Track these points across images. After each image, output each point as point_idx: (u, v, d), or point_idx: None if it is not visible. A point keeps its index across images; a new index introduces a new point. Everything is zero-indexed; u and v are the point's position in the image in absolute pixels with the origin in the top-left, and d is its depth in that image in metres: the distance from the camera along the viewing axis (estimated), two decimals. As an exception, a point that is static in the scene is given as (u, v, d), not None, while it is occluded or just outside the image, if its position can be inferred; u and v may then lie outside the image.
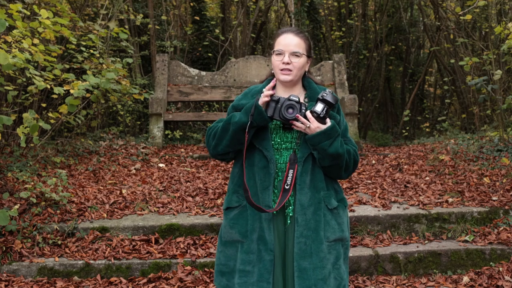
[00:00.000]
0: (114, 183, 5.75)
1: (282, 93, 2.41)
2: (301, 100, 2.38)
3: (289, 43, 2.33)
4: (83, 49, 6.67)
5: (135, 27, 10.85)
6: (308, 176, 2.29)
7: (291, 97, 2.27)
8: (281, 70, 2.35)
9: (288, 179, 2.26)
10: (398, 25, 14.29)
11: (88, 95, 6.10)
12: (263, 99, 2.27)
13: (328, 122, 2.27)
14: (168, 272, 3.96)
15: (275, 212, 2.29)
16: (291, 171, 2.26)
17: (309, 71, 2.47)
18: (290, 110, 2.25)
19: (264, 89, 2.32)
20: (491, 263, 4.14)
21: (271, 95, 2.28)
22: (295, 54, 2.33)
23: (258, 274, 2.26)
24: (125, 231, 4.39)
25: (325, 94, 2.26)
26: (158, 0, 11.78)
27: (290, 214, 2.31)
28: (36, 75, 4.91)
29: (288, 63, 2.32)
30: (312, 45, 2.49)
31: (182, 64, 8.94)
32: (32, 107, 6.50)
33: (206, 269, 3.98)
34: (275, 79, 2.39)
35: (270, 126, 2.35)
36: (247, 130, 2.26)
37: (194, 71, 8.90)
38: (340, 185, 2.47)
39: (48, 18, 4.83)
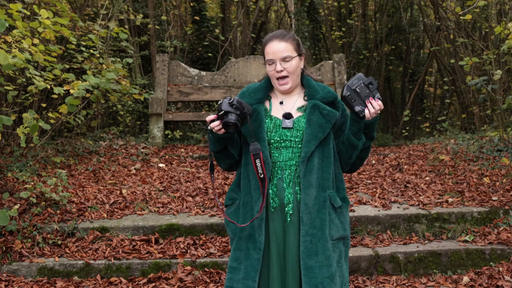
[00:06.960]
0: (114, 183, 5.75)
1: (281, 97, 2.43)
2: (301, 99, 2.41)
3: (277, 50, 2.33)
4: (83, 49, 6.67)
5: (135, 27, 10.85)
6: (313, 174, 2.28)
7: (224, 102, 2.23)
8: (278, 79, 2.37)
9: (258, 169, 2.23)
10: (398, 25, 14.29)
11: (88, 95, 6.09)
12: (215, 128, 2.23)
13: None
14: (168, 272, 3.96)
15: (272, 210, 2.31)
16: (257, 161, 2.22)
17: (305, 67, 2.46)
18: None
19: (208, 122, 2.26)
20: (491, 263, 4.14)
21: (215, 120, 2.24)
22: (285, 60, 2.33)
23: (245, 272, 2.28)
24: (125, 231, 4.39)
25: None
26: (158, 0, 11.77)
27: (290, 212, 2.30)
28: (36, 75, 4.90)
29: (281, 70, 2.33)
30: (304, 43, 2.49)
31: (182, 64, 8.93)
32: (32, 107, 6.50)
33: (206, 269, 3.98)
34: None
35: (269, 125, 2.35)
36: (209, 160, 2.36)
37: (194, 71, 8.90)
38: (345, 183, 2.47)
39: (48, 18, 4.83)
